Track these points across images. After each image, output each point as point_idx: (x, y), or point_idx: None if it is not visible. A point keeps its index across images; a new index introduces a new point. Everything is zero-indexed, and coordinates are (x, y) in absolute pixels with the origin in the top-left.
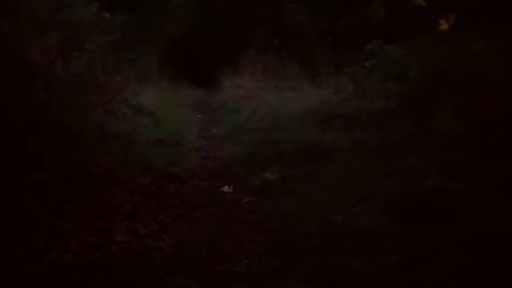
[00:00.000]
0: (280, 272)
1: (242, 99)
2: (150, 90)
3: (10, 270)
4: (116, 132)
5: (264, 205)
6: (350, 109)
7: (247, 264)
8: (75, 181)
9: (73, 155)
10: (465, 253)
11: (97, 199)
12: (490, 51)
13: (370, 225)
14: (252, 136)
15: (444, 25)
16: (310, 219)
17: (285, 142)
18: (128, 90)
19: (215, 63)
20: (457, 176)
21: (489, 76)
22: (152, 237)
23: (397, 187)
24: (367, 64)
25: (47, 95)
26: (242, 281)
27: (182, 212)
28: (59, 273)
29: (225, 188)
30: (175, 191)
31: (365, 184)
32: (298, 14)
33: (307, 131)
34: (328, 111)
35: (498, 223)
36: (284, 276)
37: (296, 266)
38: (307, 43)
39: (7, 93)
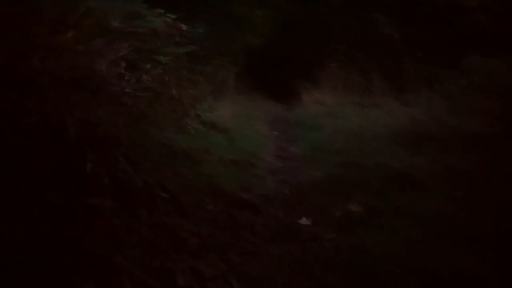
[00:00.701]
0: None
1: (323, 116)
2: (226, 105)
3: None
4: (186, 151)
5: (348, 243)
6: (443, 130)
7: None
8: (136, 207)
9: (137, 177)
10: None
11: (160, 230)
12: None
13: (479, 272)
14: (334, 159)
15: None
16: (403, 262)
17: (370, 167)
18: (202, 104)
19: (295, 77)
20: None
21: None
22: (218, 281)
23: (508, 223)
24: (463, 80)
25: (112, 110)
26: None
27: (254, 248)
28: None
29: (303, 220)
30: (247, 222)
31: (466, 220)
32: (385, 25)
33: (395, 154)
34: (418, 132)
35: None
36: None
37: None
38: (395, 56)
39: (66, 108)
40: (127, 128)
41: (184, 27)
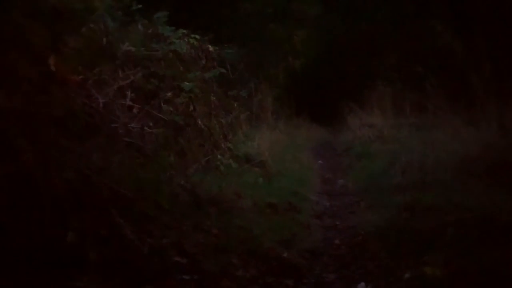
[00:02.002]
0: None
1: (373, 141)
2: (263, 134)
3: None
4: (212, 197)
5: None
6: None
7: None
8: (143, 283)
9: (141, 241)
10: None
11: None
12: None
13: None
14: (394, 197)
15: None
16: None
17: (444, 209)
18: (236, 135)
19: (339, 99)
20: None
21: None
22: None
23: None
24: None
25: (113, 154)
26: None
27: None
28: None
29: (362, 286)
30: None
31: None
32: (442, 34)
33: (471, 190)
34: (493, 160)
35: None
36: None
37: None
38: (457, 70)
39: (52, 155)
40: (133, 174)
41: (211, 48)
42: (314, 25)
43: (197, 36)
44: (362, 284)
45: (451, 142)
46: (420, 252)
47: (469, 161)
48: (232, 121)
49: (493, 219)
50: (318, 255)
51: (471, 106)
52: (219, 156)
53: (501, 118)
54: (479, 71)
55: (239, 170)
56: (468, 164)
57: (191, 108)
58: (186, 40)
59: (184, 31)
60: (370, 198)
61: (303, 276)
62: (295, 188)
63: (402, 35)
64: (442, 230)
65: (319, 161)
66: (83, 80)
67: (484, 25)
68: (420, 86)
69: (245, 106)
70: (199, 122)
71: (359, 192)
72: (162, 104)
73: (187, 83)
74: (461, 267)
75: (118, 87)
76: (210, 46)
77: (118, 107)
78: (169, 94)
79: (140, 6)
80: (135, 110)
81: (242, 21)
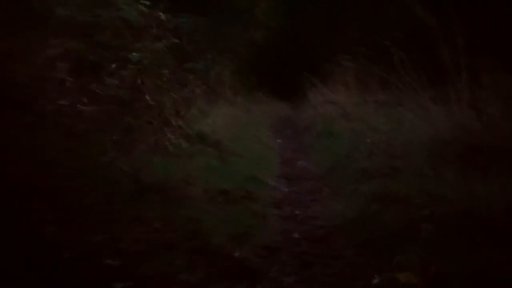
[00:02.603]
0: None
1: (337, 119)
2: (220, 109)
3: None
4: (158, 183)
5: None
6: (500, 140)
7: None
8: None
9: (73, 236)
10: None
11: None
12: None
13: None
14: (360, 184)
15: None
16: None
17: (417, 199)
18: (189, 111)
19: (301, 73)
20: None
21: None
22: None
23: None
24: None
25: (41, 135)
26: None
27: None
28: None
29: None
30: None
31: None
32: (414, 7)
33: (447, 178)
34: (468, 143)
35: None
36: None
37: None
38: (428, 44)
39: None
40: (61, 159)
41: (163, 16)
42: None
43: (147, 3)
44: None
45: (420, 122)
46: (392, 251)
47: (440, 144)
48: (187, 95)
49: (473, 213)
50: (275, 252)
51: (442, 83)
52: (168, 135)
53: (473, 97)
54: (451, 45)
55: (190, 151)
56: (439, 147)
57: (139, 81)
58: (136, 6)
59: None
60: (334, 184)
61: (257, 279)
62: (252, 171)
63: (367, 6)
64: (416, 226)
65: (279, 140)
66: (5, 48)
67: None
68: (387, 60)
69: (202, 80)
70: (147, 97)
71: (321, 176)
72: (105, 78)
73: (135, 54)
74: (441, 272)
75: (47, 57)
76: (161, 13)
77: (47, 80)
78: (113, 66)
79: None
80: (68, 84)
81: None
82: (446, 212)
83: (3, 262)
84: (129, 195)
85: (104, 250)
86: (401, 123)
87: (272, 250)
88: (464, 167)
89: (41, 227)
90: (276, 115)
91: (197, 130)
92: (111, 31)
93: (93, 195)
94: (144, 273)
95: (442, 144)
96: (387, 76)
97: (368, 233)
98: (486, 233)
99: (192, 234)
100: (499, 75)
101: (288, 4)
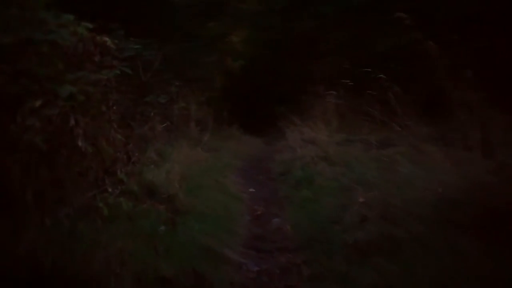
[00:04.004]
0: None
1: (318, 163)
2: (182, 151)
3: None
4: (65, 274)
5: None
6: None
7: None
8: None
9: None
10: None
11: None
12: None
13: None
14: (352, 265)
15: None
16: None
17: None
18: (144, 155)
19: (278, 108)
20: None
21: None
22: None
23: None
24: None
25: None
26: None
27: None
28: None
29: None
30: None
31: None
32: (413, 30)
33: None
34: (482, 203)
35: None
36: None
37: None
38: (428, 75)
39: None
40: None
41: (109, 42)
42: (252, 23)
43: (89, 25)
44: None
45: (420, 172)
46: None
47: (449, 205)
48: (144, 135)
49: None
50: None
51: (445, 123)
52: (105, 193)
53: (485, 140)
54: (456, 77)
55: (133, 212)
56: (447, 208)
57: (72, 122)
58: (72, 29)
59: (71, 17)
60: (316, 262)
61: None
62: (211, 239)
63: (354, 32)
64: None
65: (250, 189)
66: None
67: (463, 22)
68: (376, 94)
69: (164, 115)
70: (80, 142)
71: (300, 244)
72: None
73: (67, 87)
74: None
75: None
76: (107, 39)
77: None
78: (38, 102)
79: None
80: None
81: (169, 15)
82: None
83: None
84: None
85: None
86: (396, 172)
87: None
88: (482, 238)
89: None
90: (249, 156)
91: (147, 180)
92: (38, 58)
93: None
94: None
95: (451, 204)
96: (376, 112)
97: None
98: None
99: None
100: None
101: (265, 30)
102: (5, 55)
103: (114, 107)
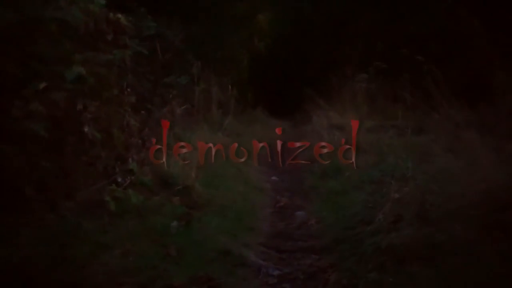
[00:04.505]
0: None
1: (346, 151)
2: (202, 136)
3: None
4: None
5: None
6: None
7: None
8: None
9: None
10: None
11: None
12: None
13: None
14: (385, 273)
15: None
16: None
17: None
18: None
19: (303, 91)
20: None
21: None
22: None
23: None
24: None
25: None
26: None
27: None
28: None
29: None
30: None
31: None
32: (458, 10)
33: None
34: None
35: None
36: None
37: None
38: (473, 59)
39: None
40: None
41: (123, 20)
42: (280, 2)
43: (102, 1)
44: None
45: (459, 163)
46: None
47: (493, 203)
48: (162, 118)
49: None
50: None
51: (488, 108)
52: (113, 185)
53: None
54: (501, 59)
55: (144, 207)
56: (492, 208)
57: (80, 107)
58: (83, 5)
59: None
60: (345, 263)
61: None
62: (227, 237)
63: (389, 11)
64: None
65: (273, 177)
66: None
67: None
68: (414, 77)
69: (184, 97)
70: (86, 129)
71: (326, 244)
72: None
73: (76, 68)
74: None
75: None
76: (121, 16)
77: None
78: (41, 85)
79: None
80: None
81: None
82: None
83: None
84: None
85: None
86: (433, 163)
87: None
88: None
89: None
90: (273, 140)
91: (162, 171)
92: (45, 38)
93: None
94: None
95: (497, 203)
96: (410, 97)
97: None
98: None
99: None
100: None
101: (293, 10)
102: (11, 35)
103: (129, 90)
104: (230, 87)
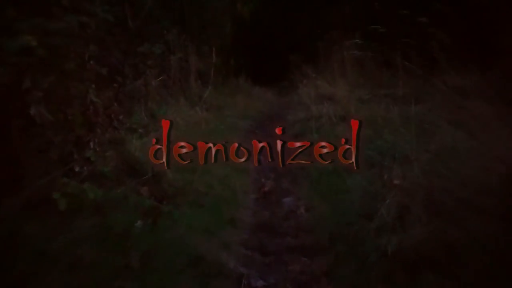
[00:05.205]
0: None
1: (336, 123)
2: (177, 111)
3: None
4: None
5: None
6: None
7: None
8: None
9: None
10: None
11: None
12: None
13: None
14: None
15: None
16: None
17: None
18: (131, 117)
19: (289, 58)
20: None
21: None
22: None
23: None
24: None
25: None
26: None
27: None
28: None
29: None
30: None
31: None
32: None
33: None
34: None
35: None
36: None
37: None
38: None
39: None
40: None
41: None
42: None
43: None
44: None
45: (469, 140)
46: None
47: None
48: (137, 91)
49: None
50: None
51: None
52: (64, 179)
53: None
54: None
55: (103, 202)
56: None
57: (27, 84)
58: None
59: None
60: (342, 269)
61: None
62: (202, 236)
63: None
64: None
65: (258, 156)
66: None
67: None
68: (416, 42)
69: (159, 68)
70: (32, 110)
71: (319, 242)
72: None
73: (22, 38)
74: None
75: None
76: None
77: None
78: None
79: None
80: None
81: None
82: None
83: None
84: None
85: None
86: (438, 139)
87: None
88: None
89: None
90: (257, 114)
91: (129, 154)
92: None
93: None
94: None
95: None
96: (406, 63)
97: None
98: None
99: None
100: None
101: None
102: None
103: (91, 62)
104: (213, 55)
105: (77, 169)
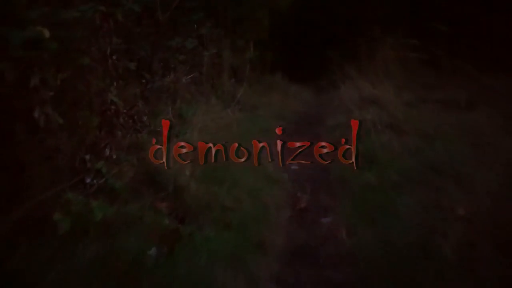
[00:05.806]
0: None
1: (381, 131)
2: (207, 113)
3: None
4: None
5: None
6: None
7: None
8: None
9: None
10: None
11: None
12: None
13: None
14: None
15: None
16: None
17: None
18: (156, 118)
19: (328, 55)
20: None
21: None
22: None
23: None
24: None
25: None
26: None
27: None
28: None
29: None
30: None
31: None
32: None
33: None
34: None
35: None
36: None
37: None
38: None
39: None
40: None
41: None
42: None
43: None
44: None
45: None
46: None
47: None
48: (165, 89)
49: None
50: None
51: None
52: (69, 194)
53: None
54: None
55: (112, 220)
56: None
57: (35, 82)
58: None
59: None
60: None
61: None
62: (225, 267)
63: None
64: None
65: (293, 166)
66: None
67: None
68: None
69: (190, 64)
70: (36, 114)
71: (364, 274)
72: None
73: (30, 29)
74: None
75: None
76: None
77: None
78: None
79: None
80: None
81: None
82: None
83: None
84: None
85: None
86: (497, 150)
87: None
88: None
89: None
90: (294, 115)
91: (149, 163)
92: None
93: None
94: None
95: None
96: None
97: None
98: None
99: None
100: None
101: None
102: None
103: (114, 57)
104: (251, 49)
105: (88, 180)
